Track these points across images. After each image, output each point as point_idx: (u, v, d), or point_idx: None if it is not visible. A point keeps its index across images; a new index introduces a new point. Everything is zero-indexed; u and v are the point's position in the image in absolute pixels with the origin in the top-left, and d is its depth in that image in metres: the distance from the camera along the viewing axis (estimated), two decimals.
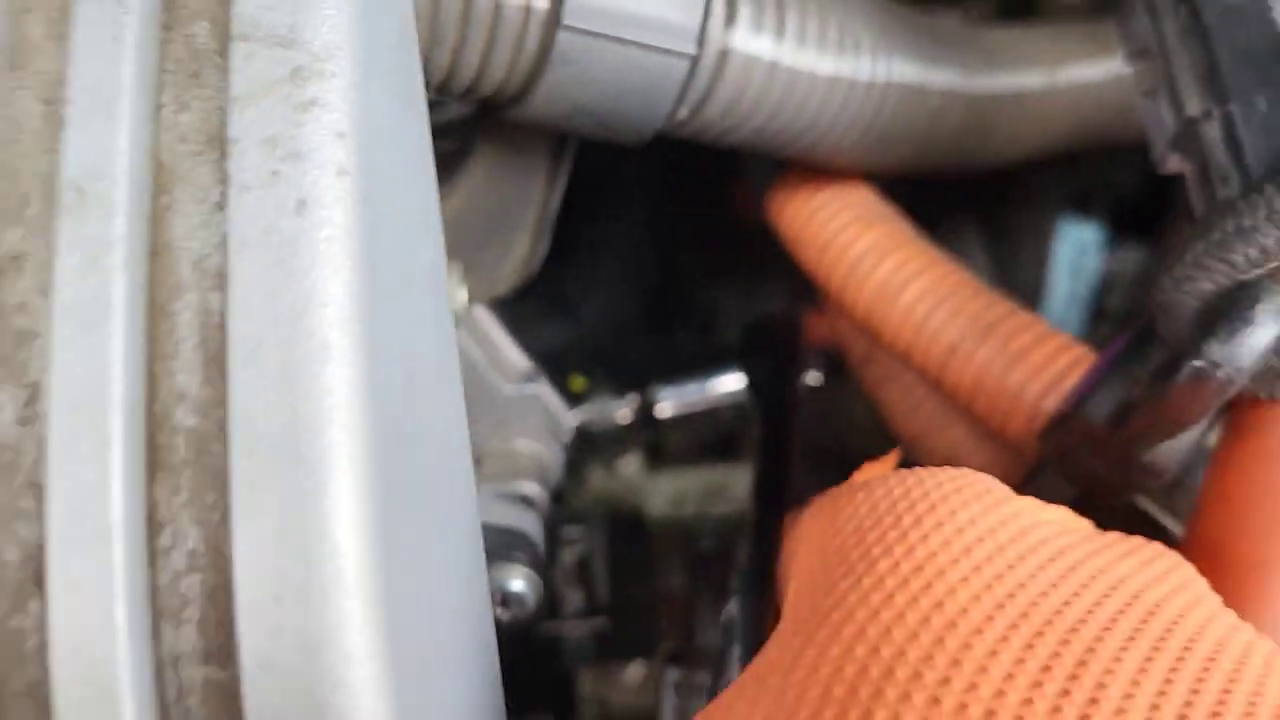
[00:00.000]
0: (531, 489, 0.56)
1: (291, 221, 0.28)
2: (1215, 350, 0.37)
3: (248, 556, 0.27)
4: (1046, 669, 0.28)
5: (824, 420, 0.78)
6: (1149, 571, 0.32)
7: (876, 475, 0.36)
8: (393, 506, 0.28)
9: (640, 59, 0.47)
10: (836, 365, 0.80)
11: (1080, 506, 0.47)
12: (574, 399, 0.71)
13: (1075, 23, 0.65)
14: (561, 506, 0.67)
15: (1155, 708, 0.27)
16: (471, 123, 0.54)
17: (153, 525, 0.28)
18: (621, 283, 0.78)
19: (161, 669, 0.28)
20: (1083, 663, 0.28)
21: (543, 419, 0.59)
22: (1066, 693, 0.27)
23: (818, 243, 0.55)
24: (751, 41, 0.48)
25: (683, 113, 0.49)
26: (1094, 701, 0.27)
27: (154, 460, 0.28)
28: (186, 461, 0.28)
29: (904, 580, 0.30)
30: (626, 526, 0.69)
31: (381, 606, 0.27)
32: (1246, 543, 0.38)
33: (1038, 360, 0.49)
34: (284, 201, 0.29)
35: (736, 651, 0.53)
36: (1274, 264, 0.37)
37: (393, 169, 0.32)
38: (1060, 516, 0.34)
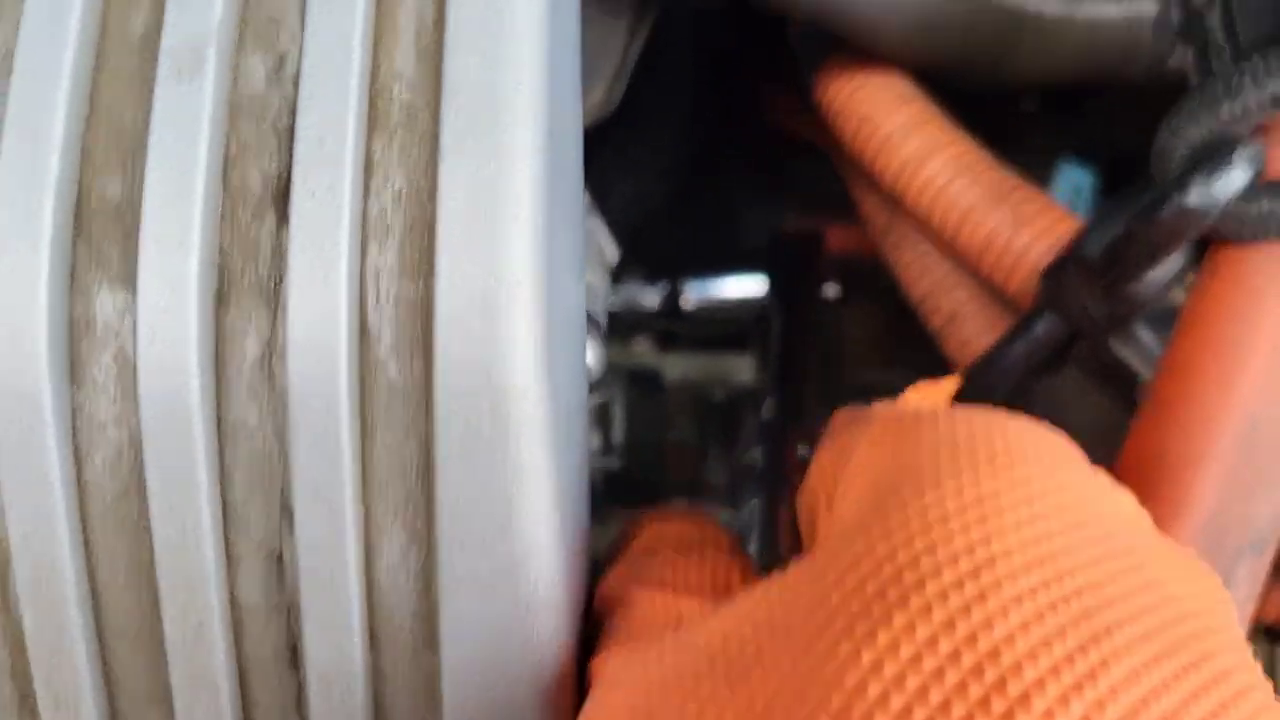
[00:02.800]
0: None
1: None
2: (1197, 187, 0.44)
3: (447, 197, 0.34)
4: (1061, 636, 0.27)
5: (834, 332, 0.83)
6: (1190, 585, 0.31)
7: (943, 409, 0.36)
8: (554, 176, 0.35)
9: None
10: (853, 282, 0.86)
11: (1069, 351, 0.55)
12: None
13: None
14: None
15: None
16: None
17: (369, 168, 0.35)
18: (654, 173, 0.82)
19: (365, 278, 0.35)
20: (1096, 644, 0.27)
21: (595, 250, 0.67)
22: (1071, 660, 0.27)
23: (857, 116, 0.62)
24: None
25: None
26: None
27: (373, 120, 0.35)
28: (399, 124, 0.35)
29: (956, 512, 0.30)
30: (645, 379, 0.74)
31: (543, 243, 0.33)
32: (1212, 359, 0.44)
33: (1042, 225, 0.56)
34: None
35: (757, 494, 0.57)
36: (1253, 120, 0.45)
37: None
38: (1128, 499, 0.34)
